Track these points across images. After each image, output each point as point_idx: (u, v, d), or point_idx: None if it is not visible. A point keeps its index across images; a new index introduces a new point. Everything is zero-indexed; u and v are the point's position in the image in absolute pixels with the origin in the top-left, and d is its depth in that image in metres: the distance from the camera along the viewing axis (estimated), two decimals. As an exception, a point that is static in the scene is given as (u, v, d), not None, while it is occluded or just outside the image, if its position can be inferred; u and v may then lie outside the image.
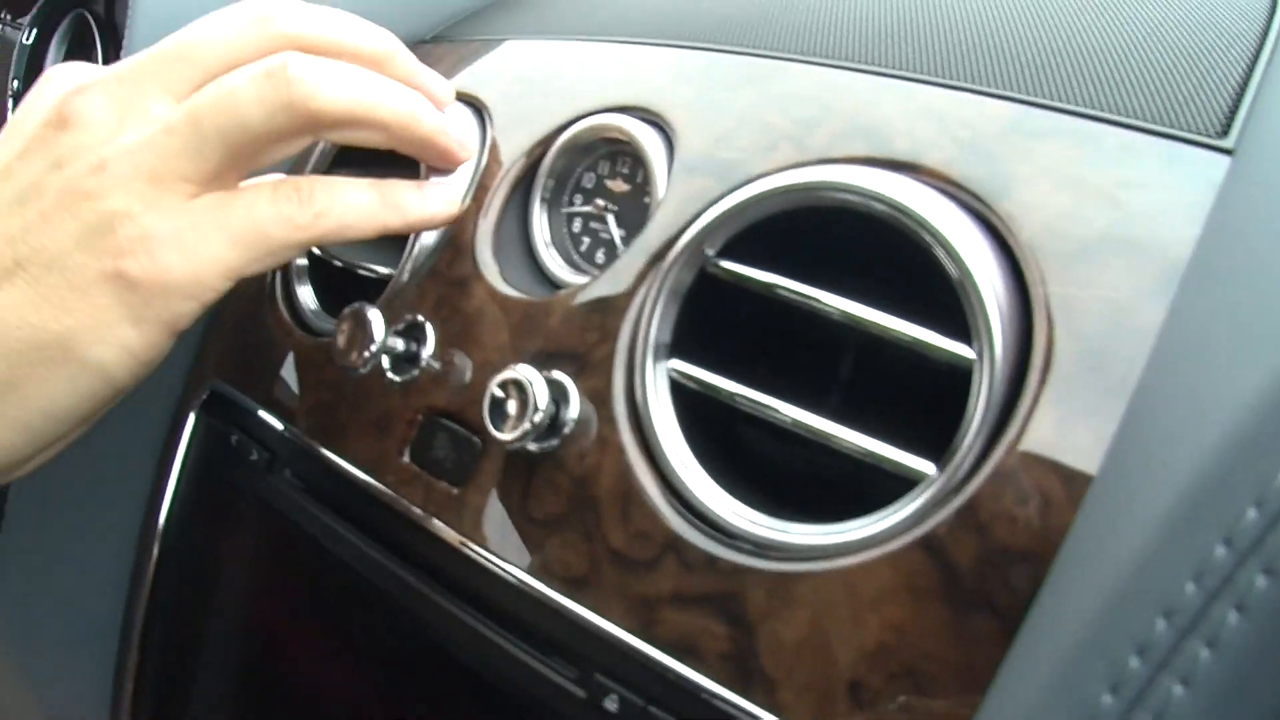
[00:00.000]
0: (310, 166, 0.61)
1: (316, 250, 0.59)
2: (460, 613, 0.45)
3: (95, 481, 0.63)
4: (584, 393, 0.45)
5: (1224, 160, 0.40)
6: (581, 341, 0.46)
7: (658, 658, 0.40)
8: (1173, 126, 0.42)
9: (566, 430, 0.44)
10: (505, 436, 0.43)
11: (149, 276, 0.41)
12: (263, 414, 0.56)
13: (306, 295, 0.58)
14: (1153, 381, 0.36)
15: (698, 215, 0.45)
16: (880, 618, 0.37)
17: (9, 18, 0.98)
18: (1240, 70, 0.44)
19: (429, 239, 0.53)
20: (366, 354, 0.48)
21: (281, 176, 0.46)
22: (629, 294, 0.45)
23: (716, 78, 0.51)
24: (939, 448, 0.39)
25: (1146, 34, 0.47)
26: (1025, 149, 0.42)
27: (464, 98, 0.58)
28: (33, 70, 0.90)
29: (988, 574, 0.36)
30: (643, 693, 0.40)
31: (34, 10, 0.87)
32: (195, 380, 0.62)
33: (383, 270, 0.55)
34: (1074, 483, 0.36)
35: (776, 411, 0.41)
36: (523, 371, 0.44)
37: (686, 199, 0.46)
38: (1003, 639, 0.35)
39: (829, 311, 0.41)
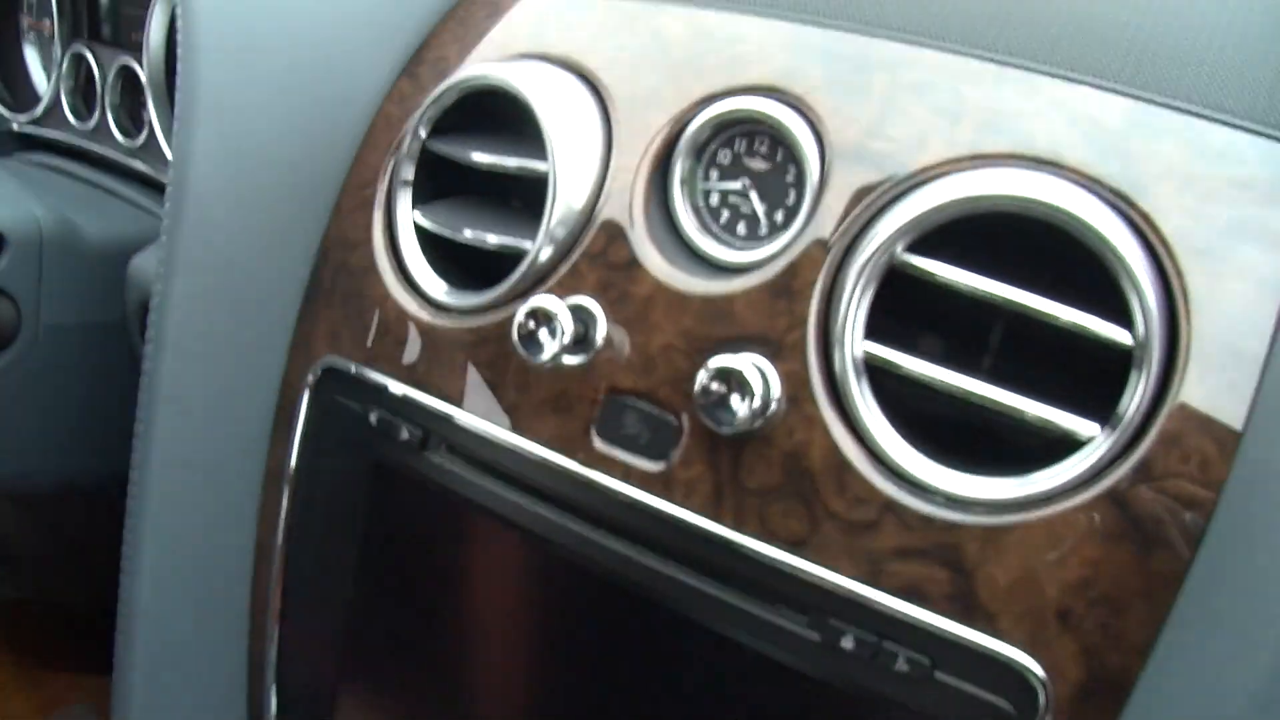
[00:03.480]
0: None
1: (428, 224, 0.60)
2: (681, 575, 0.52)
3: (209, 473, 0.63)
4: (781, 374, 0.50)
5: (1311, 151, 0.49)
6: (772, 327, 0.51)
7: (887, 602, 0.48)
8: (1262, 122, 0.50)
9: (770, 410, 0.50)
10: (730, 426, 0.49)
11: None
12: (407, 391, 0.58)
13: (428, 274, 0.59)
14: (1278, 354, 0.46)
15: (873, 208, 0.50)
16: (1079, 557, 0.46)
17: None
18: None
19: (566, 216, 0.56)
20: (557, 349, 0.51)
21: None
22: (810, 281, 0.51)
23: (843, 59, 0.54)
24: (1086, 408, 0.48)
25: (1229, 22, 0.54)
26: (1147, 148, 0.49)
27: (571, 66, 0.59)
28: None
29: (1162, 519, 0.46)
30: (876, 631, 0.48)
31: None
32: (302, 355, 0.62)
33: (520, 245, 0.57)
34: (1226, 443, 0.45)
35: (963, 388, 0.48)
36: (735, 361, 0.49)
37: (851, 189, 0.51)
38: (1180, 568, 0.45)
39: (1008, 304, 0.48)
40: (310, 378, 0.62)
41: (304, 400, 0.62)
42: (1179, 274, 0.47)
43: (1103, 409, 0.47)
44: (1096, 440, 0.47)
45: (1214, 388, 0.46)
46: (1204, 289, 0.47)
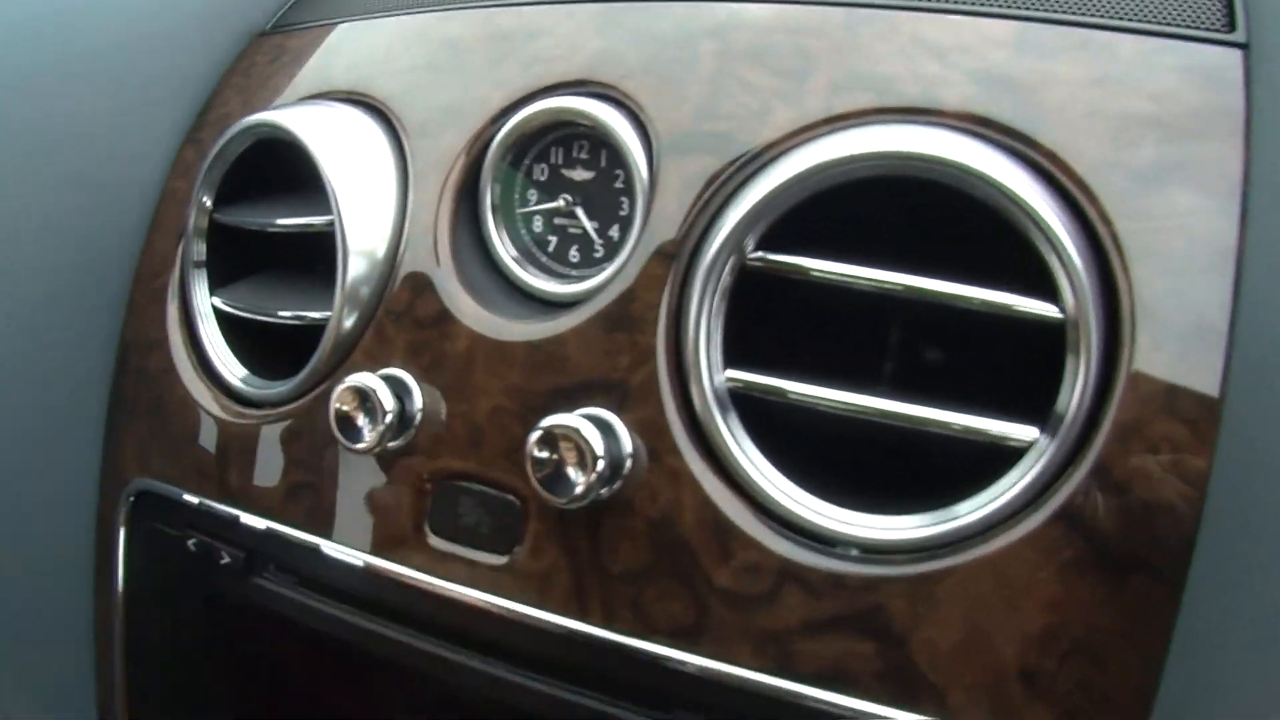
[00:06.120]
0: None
1: (226, 306, 0.50)
2: (552, 690, 0.41)
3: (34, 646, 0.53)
4: (632, 425, 0.40)
5: (1238, 55, 0.39)
6: (613, 368, 0.41)
7: (805, 692, 0.37)
8: (1176, 24, 0.40)
9: (625, 470, 0.40)
10: (567, 500, 0.38)
11: None
12: (223, 508, 0.48)
13: (228, 359, 0.50)
14: (1249, 303, 0.36)
15: (716, 203, 0.40)
16: (1035, 600, 0.36)
17: None
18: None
19: (367, 273, 0.46)
20: (380, 429, 0.41)
21: None
22: (652, 304, 0.41)
23: (660, 34, 0.45)
24: (1019, 413, 0.37)
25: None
26: (1041, 71, 0.40)
27: (358, 98, 0.49)
28: None
29: (1135, 533, 0.35)
30: (795, 733, 0.38)
31: None
32: (113, 481, 0.52)
33: (311, 316, 0.47)
34: (1200, 425, 0.35)
35: (858, 405, 0.38)
36: (565, 421, 0.39)
37: (687, 184, 0.41)
38: (1170, 598, 0.35)
39: (892, 289, 0.38)
40: (124, 507, 0.52)
41: (120, 534, 0.52)
42: (1105, 221, 0.37)
43: (1043, 411, 0.37)
44: (1037, 446, 0.36)
45: (1173, 358, 0.35)
46: (1138, 237, 0.37)
